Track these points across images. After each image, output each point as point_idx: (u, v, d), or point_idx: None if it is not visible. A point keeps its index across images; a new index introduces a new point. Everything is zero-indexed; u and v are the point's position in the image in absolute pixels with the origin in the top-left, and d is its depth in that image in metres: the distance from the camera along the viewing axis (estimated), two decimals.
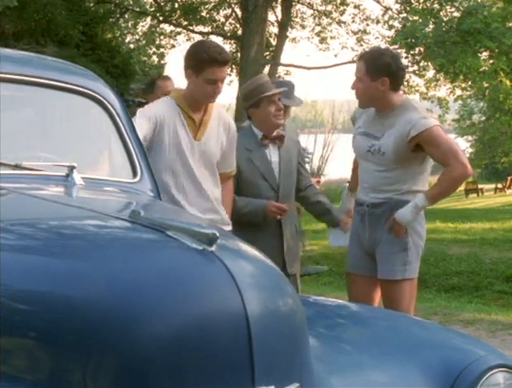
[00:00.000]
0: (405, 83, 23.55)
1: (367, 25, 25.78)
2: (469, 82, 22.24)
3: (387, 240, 4.84)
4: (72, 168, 3.12)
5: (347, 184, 5.66)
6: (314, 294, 5.26)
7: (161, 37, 29.23)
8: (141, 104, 6.43)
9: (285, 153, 5.32)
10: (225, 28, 26.94)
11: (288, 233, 5.33)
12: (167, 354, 1.94)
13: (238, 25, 25.53)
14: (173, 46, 29.15)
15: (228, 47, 26.15)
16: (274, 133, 5.29)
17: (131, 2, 27.41)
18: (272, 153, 5.28)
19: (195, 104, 4.71)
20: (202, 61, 4.55)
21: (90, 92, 3.48)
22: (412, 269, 4.85)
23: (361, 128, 5.00)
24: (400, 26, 22.36)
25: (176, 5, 25.85)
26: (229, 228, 4.87)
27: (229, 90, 26.81)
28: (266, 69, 23.41)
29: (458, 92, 25.28)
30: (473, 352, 2.84)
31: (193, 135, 4.67)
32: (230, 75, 26.88)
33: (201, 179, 4.71)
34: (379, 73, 4.79)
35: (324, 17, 26.88)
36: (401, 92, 5.06)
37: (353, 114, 5.29)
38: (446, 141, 4.81)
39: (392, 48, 21.35)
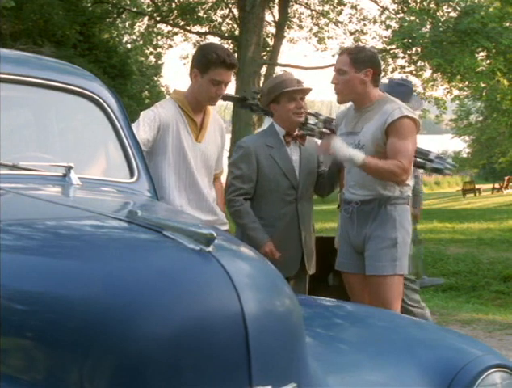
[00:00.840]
0: None
1: (364, 25, 25.83)
2: (466, 82, 22.25)
3: (376, 237, 4.85)
4: (69, 168, 3.12)
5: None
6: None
7: (159, 37, 29.26)
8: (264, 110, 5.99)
9: (306, 153, 5.29)
10: (222, 28, 26.95)
11: (306, 233, 5.29)
12: (164, 354, 1.94)
13: (235, 25, 25.54)
14: (170, 46, 29.20)
15: (226, 47, 26.11)
16: (297, 132, 5.27)
17: (128, 2, 27.45)
18: (293, 152, 5.25)
19: (197, 106, 4.73)
20: (210, 60, 4.58)
21: (87, 92, 3.48)
22: (401, 265, 4.84)
23: (343, 129, 5.02)
24: (397, 26, 22.37)
25: (173, 5, 25.87)
26: (226, 227, 4.89)
27: (226, 91, 26.72)
28: (264, 69, 23.42)
29: (455, 92, 25.29)
30: (470, 352, 2.84)
31: (194, 137, 4.69)
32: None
33: (201, 181, 4.74)
34: (363, 64, 4.86)
35: (321, 17, 26.91)
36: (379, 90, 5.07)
37: (335, 120, 5.28)
38: (410, 141, 4.78)
39: (388, 48, 21.42)
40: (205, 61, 4.60)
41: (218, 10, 27.05)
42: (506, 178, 51.78)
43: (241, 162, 5.14)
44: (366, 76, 4.85)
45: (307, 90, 5.25)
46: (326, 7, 26.63)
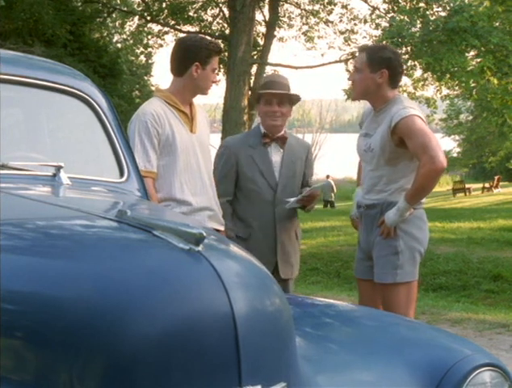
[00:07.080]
0: None
1: (355, 25, 25.83)
2: (456, 81, 22.27)
3: (379, 243, 4.81)
4: (59, 168, 3.12)
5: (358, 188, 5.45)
6: (302, 294, 5.26)
7: (149, 37, 29.23)
8: None
9: (289, 155, 5.28)
10: (213, 28, 26.92)
11: (284, 237, 5.27)
12: (154, 354, 1.94)
13: (226, 25, 25.53)
14: (160, 46, 29.14)
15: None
16: (279, 134, 5.27)
17: (118, 2, 27.43)
18: (274, 153, 5.26)
19: (186, 99, 4.72)
20: (210, 51, 4.69)
21: (77, 92, 3.48)
22: (405, 273, 4.76)
23: (363, 129, 4.99)
24: (387, 25, 22.37)
25: (163, 4, 25.83)
26: (222, 228, 4.84)
27: (217, 90, 26.79)
28: (254, 68, 23.42)
29: (445, 91, 25.31)
30: (460, 351, 2.84)
31: (189, 128, 4.67)
32: (218, 74, 26.87)
33: (204, 173, 4.72)
34: (379, 65, 4.80)
35: (311, 16, 26.91)
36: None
37: (361, 118, 5.23)
38: (419, 131, 4.65)
39: None
40: (206, 53, 4.68)
41: (208, 10, 27.02)
42: (496, 177, 51.98)
43: (220, 163, 5.24)
44: (380, 77, 4.80)
45: (282, 95, 5.19)
46: (316, 7, 26.63)
